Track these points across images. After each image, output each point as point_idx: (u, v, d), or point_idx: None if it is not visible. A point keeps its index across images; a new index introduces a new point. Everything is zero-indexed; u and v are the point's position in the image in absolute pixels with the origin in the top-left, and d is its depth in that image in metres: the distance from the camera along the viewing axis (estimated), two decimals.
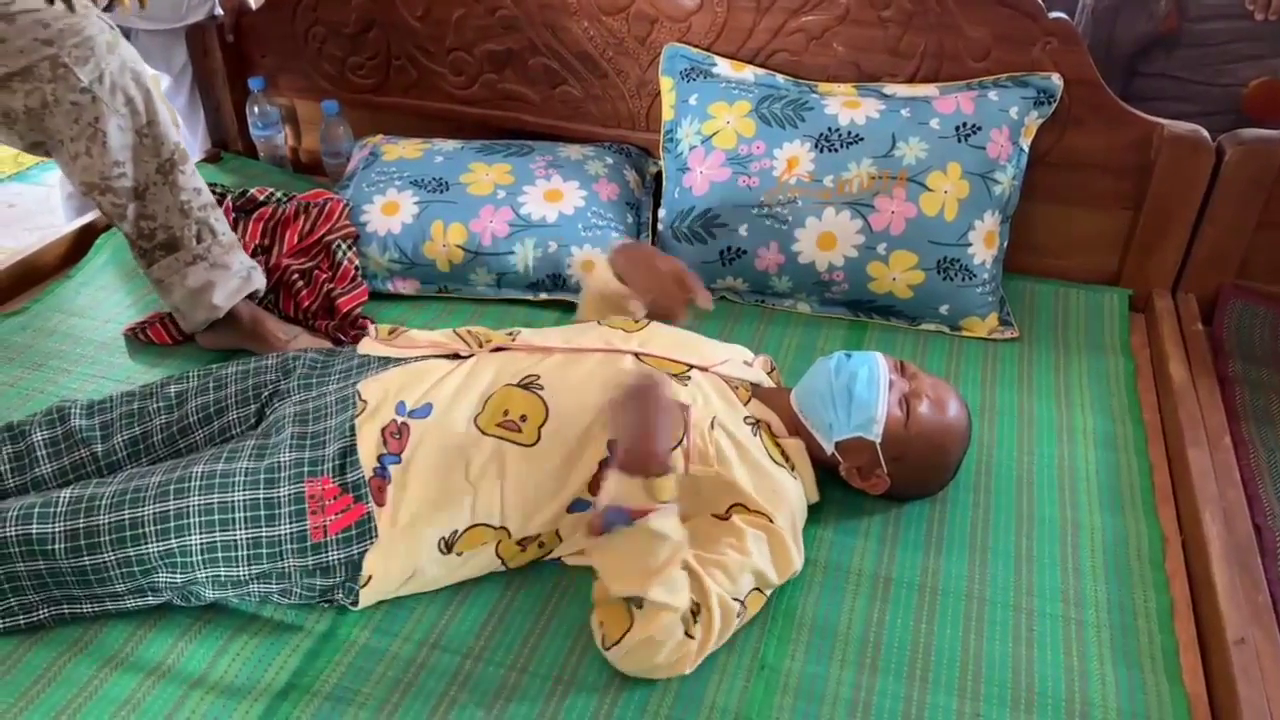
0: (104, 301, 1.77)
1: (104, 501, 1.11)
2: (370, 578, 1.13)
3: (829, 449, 1.25)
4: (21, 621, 1.12)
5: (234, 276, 1.58)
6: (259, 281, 1.62)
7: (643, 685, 1.08)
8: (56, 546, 1.09)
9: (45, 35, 1.38)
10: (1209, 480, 1.33)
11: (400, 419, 1.18)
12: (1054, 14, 1.67)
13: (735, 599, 1.10)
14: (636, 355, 1.27)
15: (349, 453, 1.15)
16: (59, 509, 1.10)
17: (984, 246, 1.66)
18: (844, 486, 1.32)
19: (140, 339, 1.66)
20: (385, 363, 1.27)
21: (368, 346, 1.33)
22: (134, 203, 1.49)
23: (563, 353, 1.27)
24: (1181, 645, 1.15)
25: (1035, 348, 1.66)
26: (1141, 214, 1.73)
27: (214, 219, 1.57)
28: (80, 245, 1.92)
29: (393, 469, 1.15)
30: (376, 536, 1.13)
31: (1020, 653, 1.13)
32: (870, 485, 1.28)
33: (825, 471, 1.30)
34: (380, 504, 1.13)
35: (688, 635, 1.06)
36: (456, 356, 1.28)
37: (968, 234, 1.65)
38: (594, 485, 1.17)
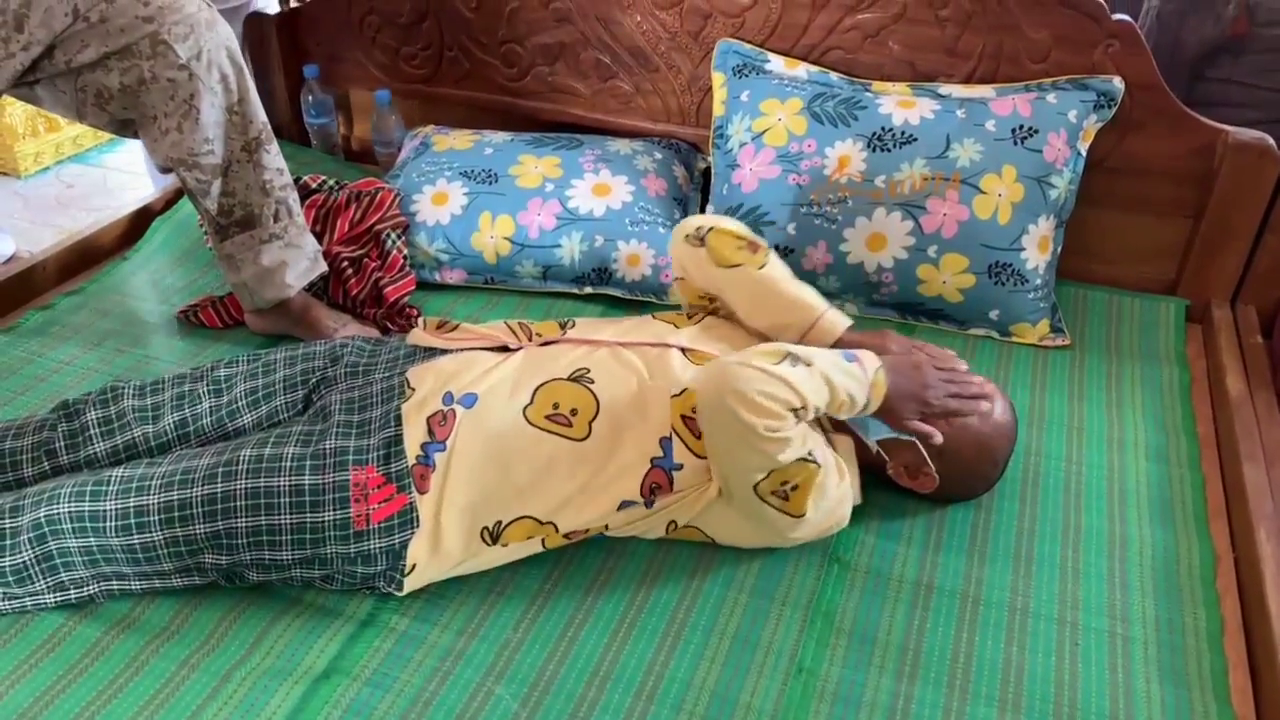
0: (157, 284, 1.81)
1: (154, 482, 1.13)
2: (414, 565, 1.14)
3: (873, 447, 1.25)
4: (72, 596, 1.15)
5: (304, 258, 1.60)
6: (323, 266, 1.64)
7: (678, 683, 1.08)
8: (107, 524, 1.11)
9: (146, 13, 1.39)
10: (1265, 497, 1.30)
11: (446, 407, 1.18)
12: (1118, 16, 1.63)
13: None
14: (684, 350, 1.26)
15: (394, 441, 1.16)
16: (110, 488, 1.13)
17: (1037, 251, 1.63)
18: (887, 490, 1.31)
19: (191, 322, 1.69)
20: (433, 353, 1.28)
21: (416, 338, 1.34)
22: (218, 179, 1.51)
23: (612, 346, 1.27)
24: (1231, 665, 1.12)
25: (1087, 356, 1.63)
26: (1202, 222, 1.69)
27: (292, 199, 1.59)
28: (137, 227, 1.96)
29: (437, 456, 1.15)
30: (419, 525, 1.13)
31: (1064, 667, 1.11)
32: (918, 484, 1.27)
33: (870, 474, 1.28)
34: (423, 491, 1.14)
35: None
36: (505, 349, 1.28)
37: (1021, 238, 1.62)
38: (645, 487, 1.17)
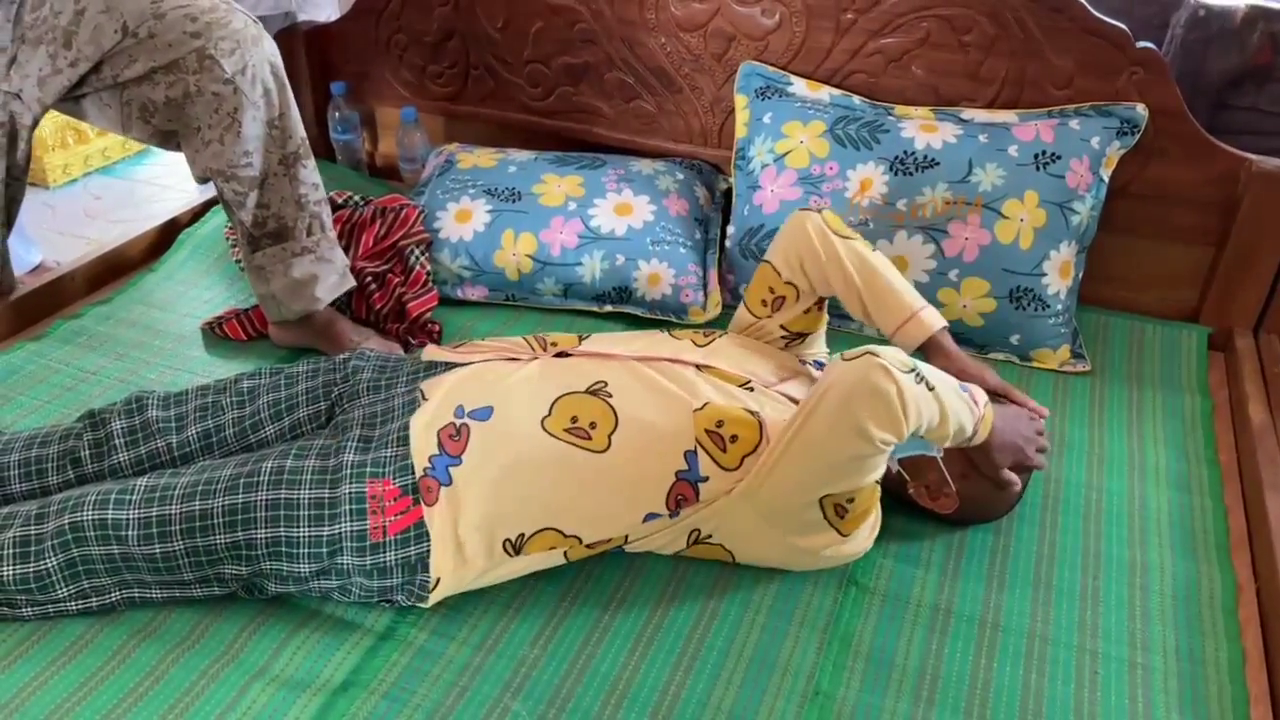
0: (183, 295, 1.83)
1: (176, 492, 1.14)
2: (439, 580, 1.15)
3: (894, 467, 1.25)
4: (94, 604, 1.15)
5: (334, 272, 1.61)
6: (351, 281, 1.66)
7: (695, 704, 1.08)
8: (130, 533, 1.12)
9: (193, 29, 1.42)
10: None
11: (459, 421, 1.19)
12: (1142, 43, 1.64)
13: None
14: (698, 367, 1.27)
15: (408, 455, 1.16)
16: (134, 497, 1.14)
17: (1059, 277, 1.63)
18: (905, 514, 1.31)
19: (216, 334, 1.70)
20: (449, 367, 1.29)
21: (431, 353, 1.35)
22: (255, 191, 1.53)
23: (627, 360, 1.27)
24: (1252, 697, 1.11)
25: (1108, 382, 1.63)
26: (1225, 250, 1.69)
27: (325, 214, 1.60)
28: (164, 240, 1.98)
29: (454, 471, 1.15)
30: (430, 539, 1.14)
31: (1083, 696, 1.10)
32: (939, 505, 1.26)
33: (889, 498, 1.28)
34: (430, 504, 1.14)
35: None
36: (517, 360, 1.29)
37: (1042, 263, 1.62)
38: (670, 500, 1.17)
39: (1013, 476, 1.22)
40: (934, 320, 1.31)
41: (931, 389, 1.08)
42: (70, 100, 1.49)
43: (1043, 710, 1.09)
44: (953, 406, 1.10)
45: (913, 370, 1.07)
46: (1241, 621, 1.20)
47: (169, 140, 1.52)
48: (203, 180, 1.54)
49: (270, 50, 1.50)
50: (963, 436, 1.15)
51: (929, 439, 1.13)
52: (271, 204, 1.54)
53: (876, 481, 1.15)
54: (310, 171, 1.57)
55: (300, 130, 1.55)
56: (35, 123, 1.49)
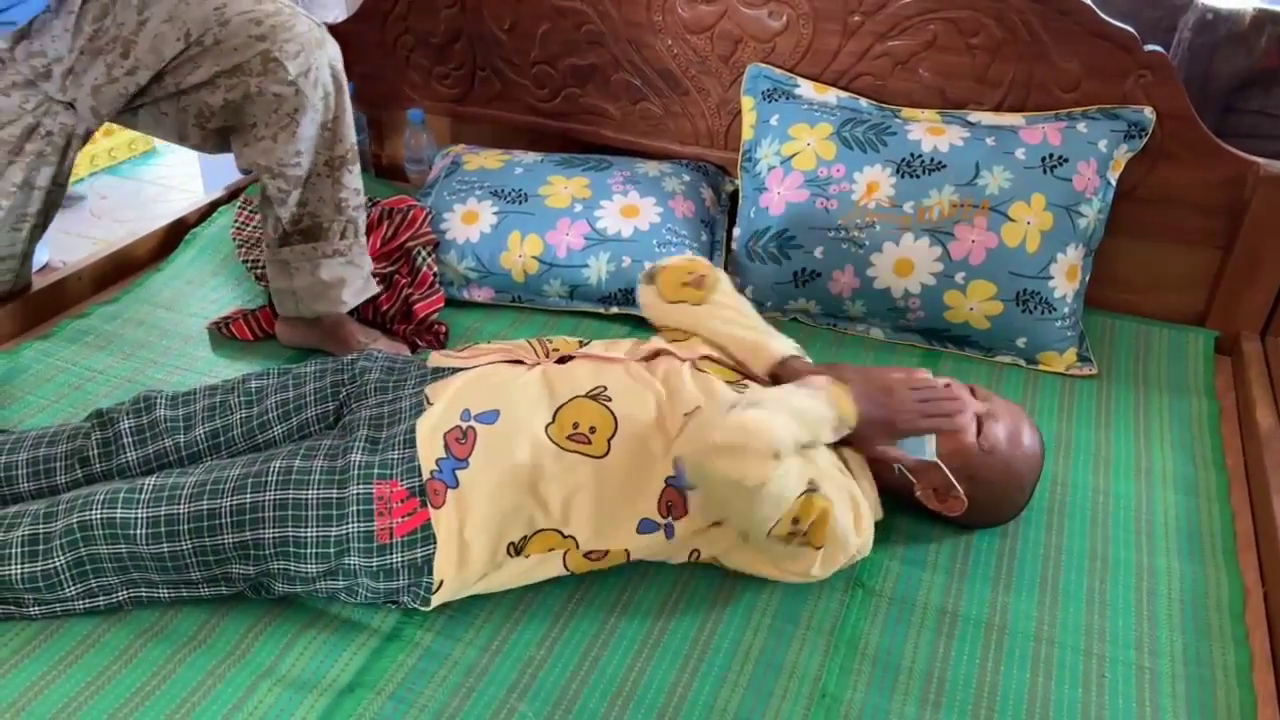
0: (190, 295, 1.83)
1: (184, 492, 1.14)
2: (442, 582, 1.15)
3: (897, 469, 1.25)
4: (101, 602, 1.16)
5: (360, 277, 1.62)
6: (375, 287, 1.66)
7: (701, 706, 1.08)
8: (137, 532, 1.12)
9: (259, 32, 1.42)
10: None
11: (465, 424, 1.19)
12: (1150, 47, 1.64)
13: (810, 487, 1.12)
14: (695, 364, 1.27)
15: (415, 457, 1.17)
16: (142, 496, 1.14)
17: (1065, 280, 1.63)
18: (912, 516, 1.31)
19: (223, 333, 1.70)
20: (455, 371, 1.29)
21: (436, 360, 1.35)
22: (297, 190, 1.53)
23: (626, 363, 1.28)
24: (1260, 700, 1.11)
25: (1115, 386, 1.62)
26: (1232, 254, 1.69)
27: (361, 220, 1.61)
28: (171, 240, 1.99)
29: (460, 474, 1.16)
30: (436, 541, 1.14)
31: (1090, 700, 1.10)
32: (947, 506, 1.26)
33: (897, 499, 1.28)
34: (437, 506, 1.14)
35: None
36: (521, 364, 1.29)
37: (1049, 267, 1.62)
38: (661, 506, 1.17)
39: (896, 453, 1.21)
40: (778, 350, 1.31)
41: (757, 403, 1.10)
42: (128, 111, 1.48)
43: (1050, 714, 1.08)
44: (798, 404, 1.13)
45: (731, 406, 1.11)
46: (1249, 625, 1.20)
47: (223, 142, 1.52)
48: (245, 172, 1.54)
49: (333, 53, 1.50)
50: (838, 422, 1.16)
51: (817, 440, 1.15)
52: (309, 203, 1.55)
53: (809, 493, 1.11)
54: (354, 177, 1.57)
55: (352, 136, 1.55)
56: (89, 133, 1.49)
